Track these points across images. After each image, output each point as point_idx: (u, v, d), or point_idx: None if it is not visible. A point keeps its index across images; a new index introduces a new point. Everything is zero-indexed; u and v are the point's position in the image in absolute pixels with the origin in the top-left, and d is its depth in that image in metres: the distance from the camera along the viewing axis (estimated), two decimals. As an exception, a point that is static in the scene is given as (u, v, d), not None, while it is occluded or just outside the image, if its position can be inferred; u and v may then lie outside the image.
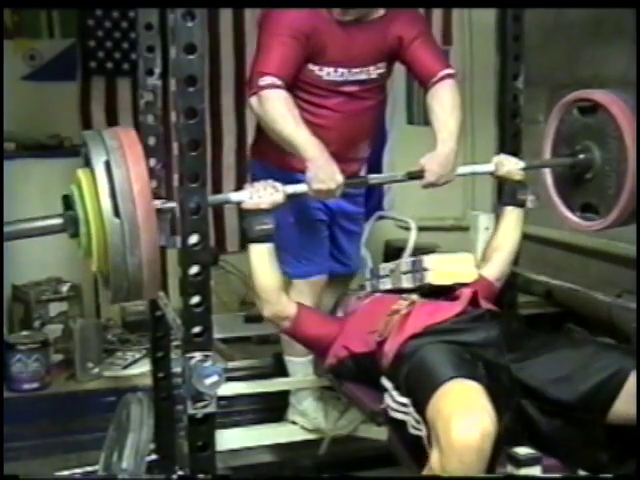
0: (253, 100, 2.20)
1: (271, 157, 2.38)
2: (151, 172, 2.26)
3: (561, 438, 1.78)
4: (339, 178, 2.10)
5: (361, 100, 2.39)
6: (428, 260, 2.16)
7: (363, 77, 2.36)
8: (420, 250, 2.55)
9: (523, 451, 1.71)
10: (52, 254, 3.44)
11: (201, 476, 1.71)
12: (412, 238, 2.46)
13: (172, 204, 1.76)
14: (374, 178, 2.33)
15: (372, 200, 4.05)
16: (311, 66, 2.29)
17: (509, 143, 2.57)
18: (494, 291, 2.25)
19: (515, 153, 2.55)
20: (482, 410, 1.56)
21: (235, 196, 2.05)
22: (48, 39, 3.81)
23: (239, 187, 4.15)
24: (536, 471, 1.71)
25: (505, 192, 2.31)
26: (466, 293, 2.05)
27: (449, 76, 2.35)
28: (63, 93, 3.79)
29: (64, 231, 1.72)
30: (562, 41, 3.94)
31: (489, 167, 2.32)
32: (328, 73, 2.31)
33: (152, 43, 2.29)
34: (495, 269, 2.25)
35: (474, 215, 2.55)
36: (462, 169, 2.31)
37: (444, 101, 2.31)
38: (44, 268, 3.55)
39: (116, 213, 1.60)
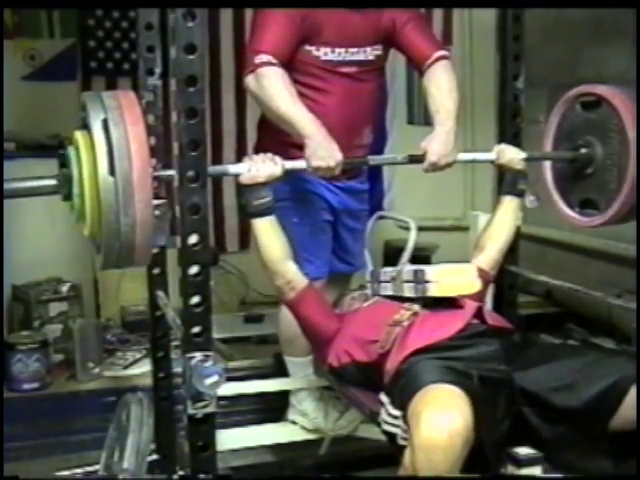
0: (249, 78, 2.19)
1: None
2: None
3: (564, 445, 1.77)
4: (338, 155, 2.09)
5: (360, 82, 2.38)
6: (430, 272, 2.12)
7: (360, 57, 2.35)
8: (420, 250, 2.54)
9: (523, 451, 1.71)
10: (52, 254, 3.45)
11: (202, 476, 1.71)
12: (412, 238, 2.45)
13: (171, 172, 1.73)
14: (374, 159, 2.30)
15: (373, 200, 4.05)
16: (308, 47, 2.28)
17: (509, 143, 2.55)
18: (489, 280, 2.26)
19: (515, 153, 2.55)
20: (454, 410, 1.56)
21: (233, 168, 2.04)
22: (48, 39, 3.81)
23: (239, 187, 4.18)
24: (536, 471, 1.71)
25: (505, 181, 2.30)
26: (470, 305, 2.04)
27: (443, 57, 2.34)
28: (63, 93, 3.79)
29: (57, 192, 1.70)
30: (562, 41, 3.94)
31: (490, 155, 2.31)
32: (325, 53, 2.30)
33: (152, 43, 2.29)
34: (489, 258, 2.25)
35: (474, 215, 2.55)
36: (463, 156, 2.29)
37: (440, 83, 2.30)
38: (44, 268, 3.55)
39: (111, 171, 1.58)
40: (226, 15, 3.94)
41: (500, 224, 2.29)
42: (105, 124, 1.61)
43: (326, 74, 2.33)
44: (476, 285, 2.11)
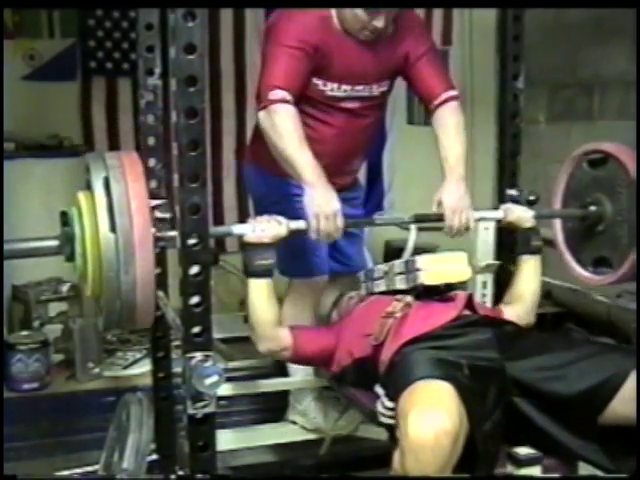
0: (262, 114, 2.17)
1: (266, 162, 2.33)
2: (151, 172, 2.27)
3: (556, 435, 1.79)
4: (335, 204, 2.08)
5: (360, 117, 2.37)
6: (421, 260, 2.15)
7: (365, 94, 2.34)
8: (420, 250, 2.54)
9: (523, 451, 1.72)
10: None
11: (202, 476, 1.71)
12: (412, 238, 2.45)
13: (173, 232, 1.73)
14: (380, 219, 2.31)
15: (372, 200, 4.07)
16: (315, 80, 2.26)
17: (509, 143, 2.57)
18: (529, 324, 2.22)
19: (515, 153, 2.55)
20: (441, 409, 1.57)
21: (237, 229, 2.03)
22: (48, 39, 3.80)
23: (239, 187, 4.19)
24: (536, 471, 1.71)
25: (518, 241, 2.29)
26: (461, 296, 2.06)
27: (452, 98, 2.34)
28: (63, 93, 3.79)
29: (59, 253, 1.71)
30: (562, 41, 3.95)
31: (498, 213, 2.32)
32: (332, 89, 2.28)
33: (152, 43, 2.29)
34: (515, 315, 2.19)
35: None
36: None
37: (449, 127, 2.31)
38: (44, 268, 3.54)
39: (112, 228, 1.59)
40: (226, 15, 3.94)
41: (525, 285, 2.26)
42: (106, 182, 1.62)
43: (328, 108, 2.32)
44: (466, 273, 2.14)
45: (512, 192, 2.46)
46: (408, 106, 4.25)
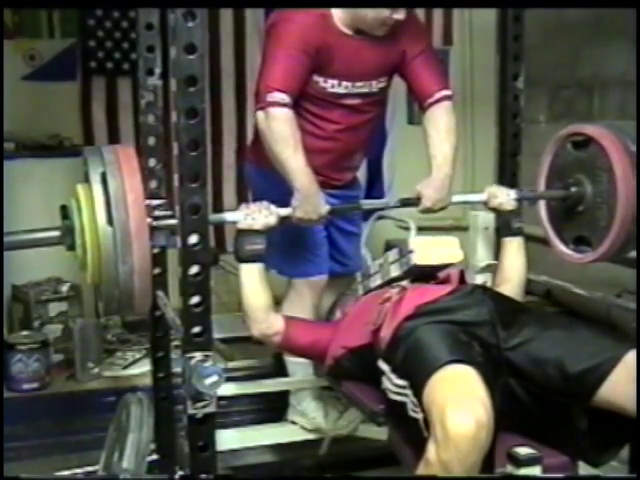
0: (260, 115, 2.19)
1: (267, 161, 2.32)
2: (151, 172, 2.27)
3: (545, 420, 1.80)
4: (322, 211, 2.17)
5: (361, 113, 2.38)
6: (413, 242, 2.21)
7: (365, 90, 2.35)
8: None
9: (523, 451, 1.71)
10: (52, 254, 3.40)
11: (202, 476, 1.71)
12: (412, 238, 2.46)
13: (172, 221, 1.79)
14: (367, 204, 2.36)
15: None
16: (316, 77, 2.27)
17: (509, 143, 2.57)
18: None
19: (515, 153, 2.55)
20: (476, 399, 1.57)
21: (230, 216, 2.10)
22: (48, 39, 3.81)
23: (239, 187, 4.19)
24: (536, 471, 1.71)
25: (500, 224, 2.35)
26: (454, 273, 2.10)
27: (446, 98, 2.35)
28: (63, 93, 3.80)
29: (61, 243, 1.78)
30: (562, 41, 3.95)
31: (481, 197, 2.35)
32: (332, 85, 2.29)
33: (152, 43, 2.29)
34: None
35: (474, 215, 2.55)
36: (455, 197, 2.35)
37: (440, 125, 2.32)
38: (44, 268, 3.55)
39: (109, 221, 1.66)
40: (226, 15, 3.94)
41: (509, 267, 2.29)
42: (103, 177, 1.69)
43: (330, 104, 2.33)
44: (458, 255, 2.18)
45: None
46: (408, 106, 4.25)
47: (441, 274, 2.19)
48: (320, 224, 2.27)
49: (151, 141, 2.31)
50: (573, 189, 2.25)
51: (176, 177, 1.69)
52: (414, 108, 4.26)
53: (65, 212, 1.77)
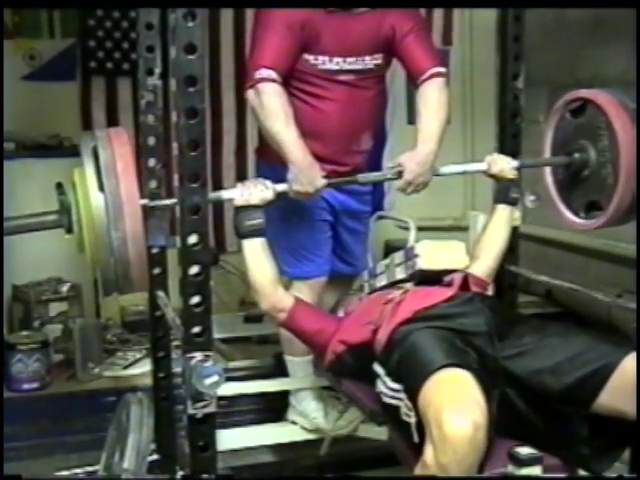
0: (250, 93, 2.23)
1: (277, 157, 2.35)
2: (151, 172, 2.27)
3: (545, 429, 1.79)
4: (318, 183, 2.15)
5: (359, 89, 2.38)
6: (419, 247, 2.21)
7: (359, 66, 2.35)
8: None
9: (524, 451, 1.71)
10: (52, 254, 3.44)
11: (202, 476, 1.71)
12: (412, 238, 2.46)
13: (172, 200, 1.79)
14: (364, 177, 2.31)
15: (373, 200, 4.06)
16: (306, 55, 2.29)
17: (509, 143, 2.57)
18: (486, 286, 2.25)
19: (515, 153, 2.55)
20: (472, 401, 1.57)
21: (227, 193, 2.08)
22: (48, 39, 3.81)
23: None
24: (536, 471, 1.71)
25: (498, 190, 2.33)
26: (458, 278, 2.08)
27: (439, 74, 2.34)
28: (63, 93, 3.79)
29: (59, 226, 1.79)
30: (562, 41, 3.95)
31: (481, 165, 2.33)
32: (323, 62, 2.31)
33: (152, 43, 2.30)
34: (484, 267, 2.25)
35: (474, 215, 2.55)
36: (454, 167, 2.34)
37: (429, 101, 2.31)
38: (44, 268, 3.55)
39: (100, 187, 1.69)
40: (226, 15, 3.94)
41: (494, 233, 2.30)
42: (94, 150, 1.72)
43: (325, 82, 2.34)
44: (463, 261, 2.18)
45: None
46: (408, 106, 4.24)
47: (446, 278, 2.16)
48: (317, 198, 2.23)
49: (151, 141, 2.32)
50: (576, 155, 2.22)
51: (176, 177, 1.69)
52: (414, 108, 4.27)
53: (61, 189, 1.78)
